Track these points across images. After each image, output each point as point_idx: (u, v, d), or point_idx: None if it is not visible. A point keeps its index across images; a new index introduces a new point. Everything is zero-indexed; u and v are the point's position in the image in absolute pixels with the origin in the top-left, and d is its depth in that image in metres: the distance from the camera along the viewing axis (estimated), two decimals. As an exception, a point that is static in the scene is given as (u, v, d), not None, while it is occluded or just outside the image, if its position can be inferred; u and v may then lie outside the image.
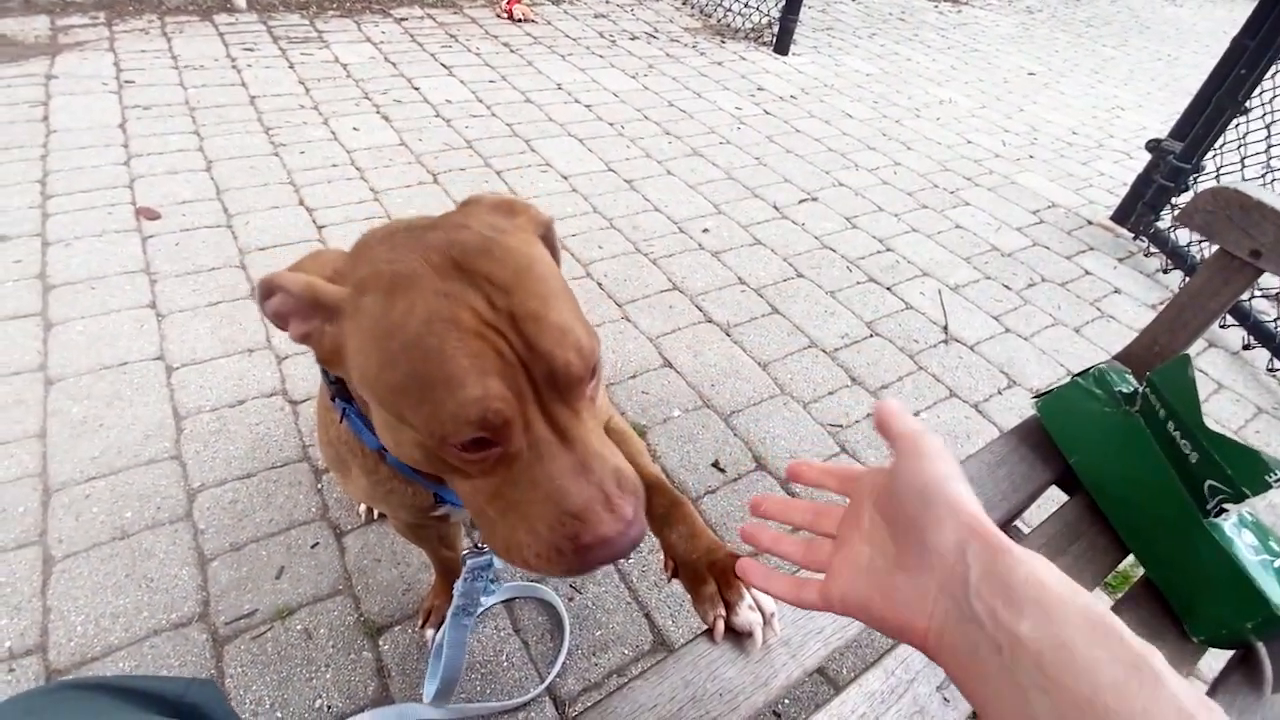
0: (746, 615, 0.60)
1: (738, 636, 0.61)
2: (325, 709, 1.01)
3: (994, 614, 0.31)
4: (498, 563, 0.77)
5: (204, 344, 1.54)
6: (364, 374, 0.45)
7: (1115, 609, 0.73)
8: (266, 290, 0.46)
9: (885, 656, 0.64)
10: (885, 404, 0.43)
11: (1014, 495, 0.80)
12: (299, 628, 1.09)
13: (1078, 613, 0.30)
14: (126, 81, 2.56)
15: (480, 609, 0.82)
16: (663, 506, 0.70)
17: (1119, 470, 0.77)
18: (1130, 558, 0.78)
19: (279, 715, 0.99)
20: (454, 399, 0.41)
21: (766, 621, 0.61)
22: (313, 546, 1.20)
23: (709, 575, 0.63)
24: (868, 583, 0.38)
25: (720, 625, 0.60)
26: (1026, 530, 0.86)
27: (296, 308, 0.46)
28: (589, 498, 0.43)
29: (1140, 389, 0.75)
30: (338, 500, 1.28)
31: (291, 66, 2.86)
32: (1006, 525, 0.90)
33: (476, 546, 0.76)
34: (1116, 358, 0.92)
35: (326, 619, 1.11)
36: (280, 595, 1.13)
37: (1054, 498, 0.88)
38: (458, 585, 0.77)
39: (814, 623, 0.63)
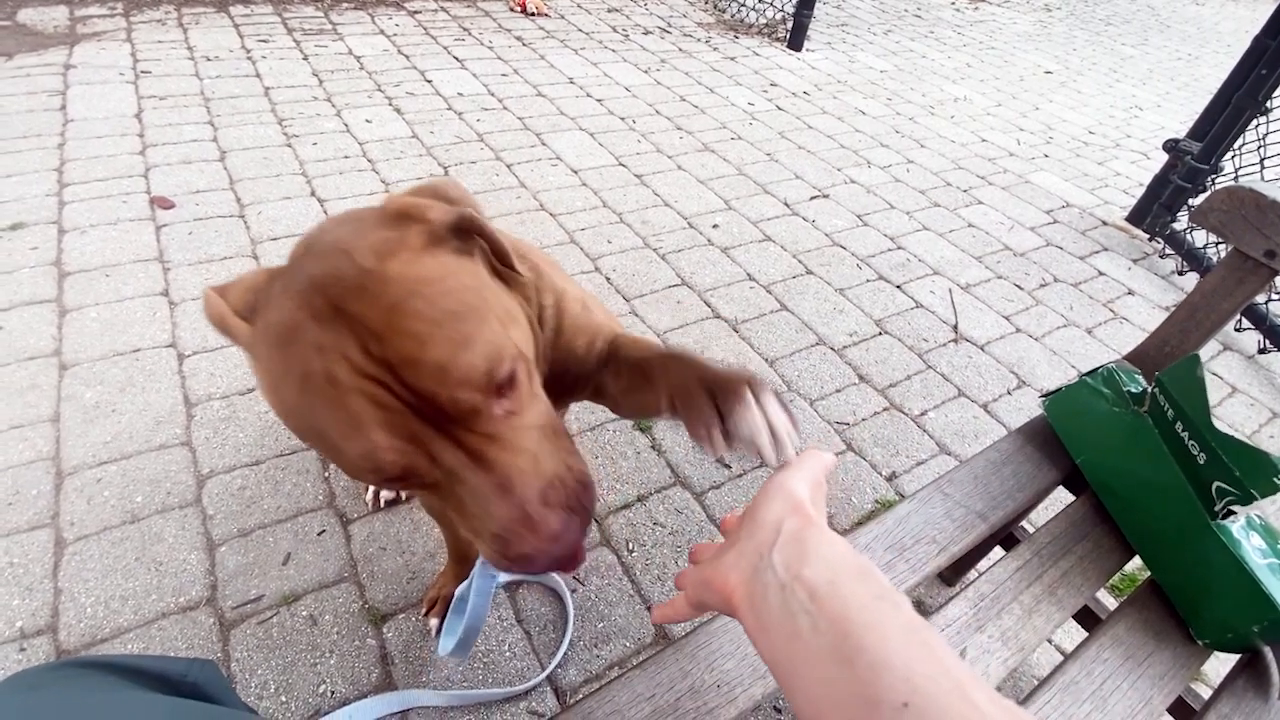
0: (747, 419, 0.50)
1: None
2: (329, 694, 1.02)
3: (787, 564, 0.37)
4: None
5: (215, 332, 1.55)
6: (273, 411, 0.47)
7: (1120, 611, 0.72)
8: (208, 316, 0.49)
9: (885, 652, 0.64)
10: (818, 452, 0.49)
11: (1019, 494, 0.79)
12: (304, 614, 1.10)
13: (851, 564, 0.37)
14: (143, 72, 2.58)
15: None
16: (640, 364, 0.65)
17: (1126, 471, 0.76)
18: (1137, 560, 0.77)
19: (283, 699, 1.00)
20: (345, 454, 0.42)
21: (775, 436, 0.51)
22: (319, 534, 1.21)
23: (703, 390, 0.54)
24: (710, 565, 0.43)
25: (718, 439, 0.52)
26: (1032, 530, 0.85)
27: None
28: (507, 519, 0.43)
29: (1149, 389, 0.74)
30: (344, 488, 1.29)
31: (305, 58, 2.88)
32: (1011, 525, 0.90)
33: None
34: (1127, 358, 0.91)
35: (331, 605, 1.12)
36: (286, 581, 1.14)
37: (1059, 498, 0.88)
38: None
39: (814, 617, 0.63)
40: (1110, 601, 1.08)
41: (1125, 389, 0.77)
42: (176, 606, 1.08)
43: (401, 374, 0.41)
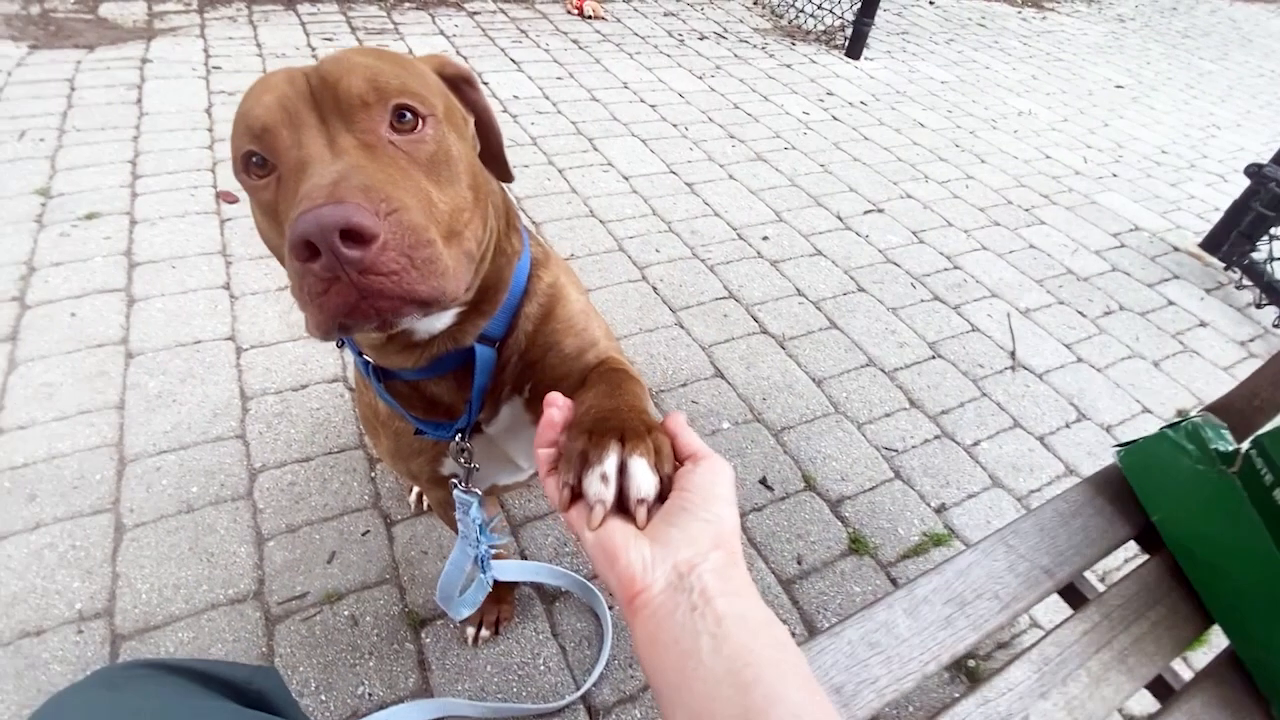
0: (592, 485, 0.43)
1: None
2: (367, 696, 1.03)
3: (704, 590, 0.38)
4: (476, 512, 0.73)
5: (272, 327, 1.60)
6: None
7: (1196, 684, 0.68)
8: None
9: (941, 715, 0.61)
10: (672, 419, 0.48)
11: (1088, 550, 0.75)
12: (346, 613, 1.12)
13: (762, 612, 0.38)
14: (214, 67, 2.67)
15: (485, 546, 0.80)
16: (600, 373, 0.59)
17: (1209, 534, 0.71)
18: (1214, 627, 0.73)
19: (323, 698, 1.02)
20: (236, 120, 0.46)
21: (629, 508, 0.43)
22: (363, 534, 1.23)
23: (584, 432, 0.46)
24: (617, 542, 0.42)
25: (565, 495, 0.44)
26: (1101, 588, 0.81)
27: None
28: (315, 186, 0.39)
29: (1243, 448, 0.69)
30: (390, 490, 1.31)
31: (367, 57, 2.93)
32: (1077, 579, 0.85)
33: (461, 484, 0.72)
34: (1211, 408, 0.85)
35: (373, 607, 1.13)
36: (330, 579, 1.16)
37: (1123, 552, 0.83)
38: (458, 513, 0.77)
39: (869, 671, 0.61)
40: (1184, 669, 1.02)
41: (1212, 446, 0.72)
42: (226, 598, 1.11)
43: (323, 68, 0.45)
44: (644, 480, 0.42)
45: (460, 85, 0.56)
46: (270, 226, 0.47)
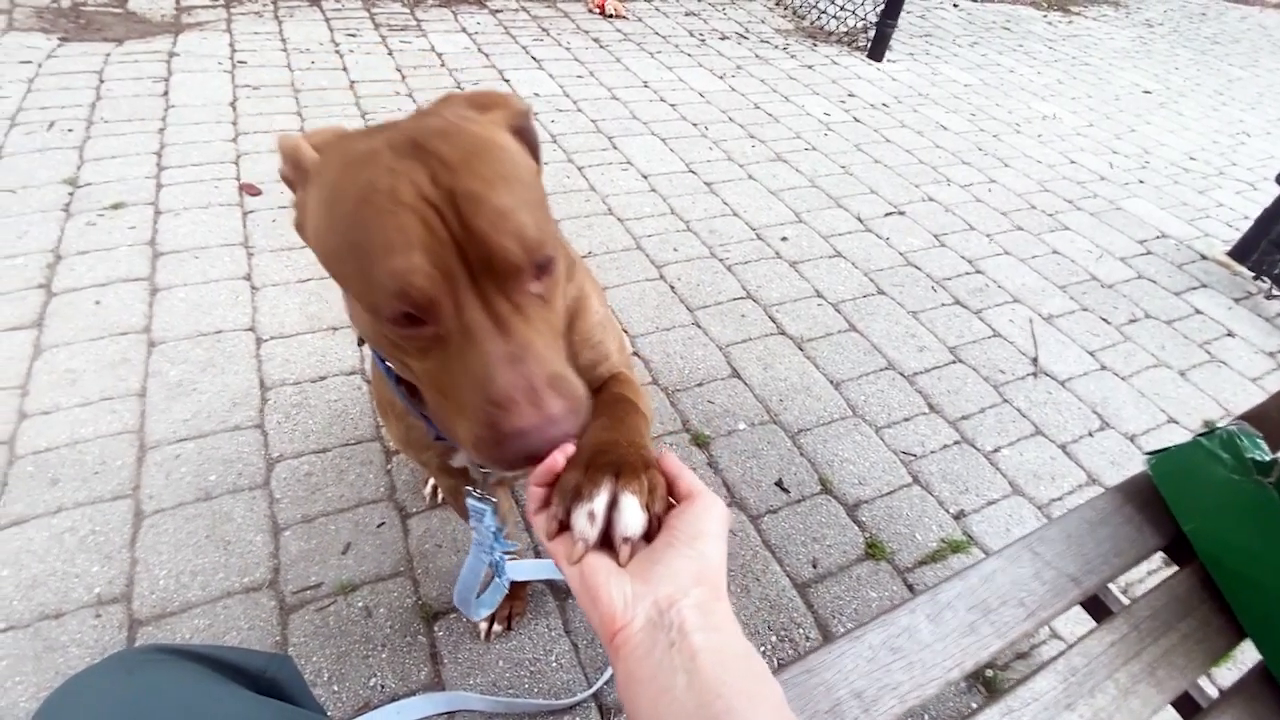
0: (579, 522, 0.43)
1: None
2: (379, 688, 1.03)
3: (682, 626, 0.38)
4: (490, 520, 0.73)
5: (292, 319, 1.61)
6: (314, 239, 0.47)
7: (1225, 699, 0.66)
8: (280, 151, 0.49)
9: (965, 722, 0.60)
10: (669, 458, 0.47)
11: (1115, 559, 0.74)
12: (360, 605, 1.12)
13: (739, 645, 0.38)
14: (239, 62, 2.70)
15: (500, 552, 0.80)
16: (605, 401, 0.60)
17: (1244, 546, 0.69)
18: (1246, 642, 0.71)
19: (335, 689, 1.02)
20: (378, 269, 0.41)
21: (614, 545, 0.43)
22: (378, 526, 1.23)
23: (581, 466, 0.46)
24: (600, 581, 0.42)
25: (553, 526, 0.45)
26: (1126, 600, 0.79)
27: (289, 171, 0.49)
28: (511, 386, 0.42)
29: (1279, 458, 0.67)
30: (405, 482, 1.31)
31: (390, 54, 2.95)
32: (1101, 589, 0.84)
33: (477, 493, 0.73)
34: (1244, 417, 0.83)
35: (386, 599, 1.13)
36: (345, 571, 1.16)
37: (1146, 565, 0.81)
38: (472, 521, 0.77)
39: (890, 676, 0.60)
40: (1208, 686, 0.99)
41: (1248, 456, 0.70)
42: (241, 586, 1.12)
43: (461, 208, 0.42)
44: (633, 518, 0.43)
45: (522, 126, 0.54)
46: (429, 379, 0.47)
